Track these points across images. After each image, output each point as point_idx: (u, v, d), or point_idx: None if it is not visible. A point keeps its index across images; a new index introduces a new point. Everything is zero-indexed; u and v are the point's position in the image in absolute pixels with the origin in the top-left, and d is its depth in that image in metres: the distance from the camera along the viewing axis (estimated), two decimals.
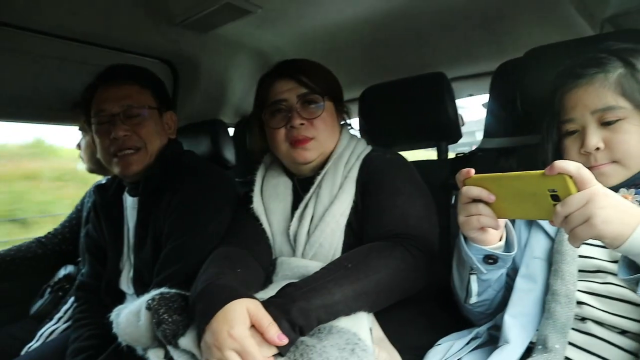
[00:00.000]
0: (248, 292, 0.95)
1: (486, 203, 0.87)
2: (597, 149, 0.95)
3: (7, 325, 1.82)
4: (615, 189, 0.95)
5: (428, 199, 1.22)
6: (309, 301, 0.90)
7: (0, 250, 1.89)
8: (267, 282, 1.20)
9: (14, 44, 1.63)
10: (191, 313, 0.98)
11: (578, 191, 0.73)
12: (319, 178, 1.25)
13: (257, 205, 1.31)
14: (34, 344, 1.62)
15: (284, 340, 0.84)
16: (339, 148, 1.29)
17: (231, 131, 2.19)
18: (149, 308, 1.05)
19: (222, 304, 0.88)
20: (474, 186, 0.87)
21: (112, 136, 1.36)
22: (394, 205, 1.14)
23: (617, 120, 0.94)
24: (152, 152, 1.42)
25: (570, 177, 0.73)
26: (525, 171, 0.79)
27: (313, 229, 1.19)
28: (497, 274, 1.01)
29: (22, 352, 1.60)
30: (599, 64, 0.97)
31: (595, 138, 0.95)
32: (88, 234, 1.61)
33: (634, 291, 0.77)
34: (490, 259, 0.96)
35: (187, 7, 1.61)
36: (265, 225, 1.28)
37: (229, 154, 2.04)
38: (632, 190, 0.95)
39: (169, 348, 0.97)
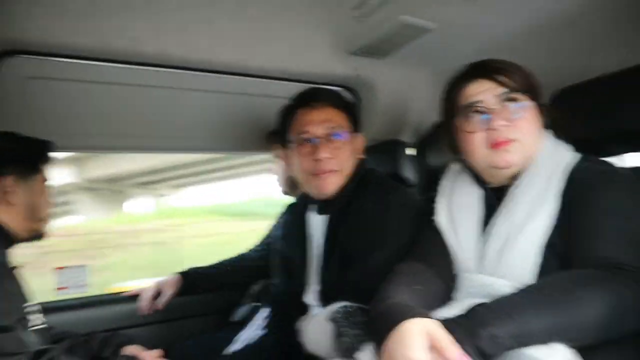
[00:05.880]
0: (424, 311, 0.91)
1: None
2: None
3: (213, 330, 2.08)
4: None
5: None
6: (502, 328, 0.82)
7: (208, 265, 2.14)
8: (448, 299, 1.13)
9: (207, 84, 1.94)
10: (369, 330, 0.99)
11: None
12: (513, 189, 1.13)
13: (442, 217, 1.25)
14: (235, 347, 1.82)
15: None
16: (540, 156, 1.14)
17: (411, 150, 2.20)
18: (332, 320, 1.09)
19: (395, 324, 0.86)
20: None
21: (314, 157, 1.43)
22: (608, 228, 0.98)
23: None
24: (347, 173, 1.48)
25: None
26: None
27: (504, 247, 1.08)
28: None
29: (224, 353, 1.80)
30: None
31: None
32: (279, 250, 1.75)
33: None
34: None
35: (364, 33, 1.68)
36: (450, 239, 1.21)
37: (409, 173, 2.04)
38: None
39: None
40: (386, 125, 2.24)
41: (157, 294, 1.96)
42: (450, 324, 0.85)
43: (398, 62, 1.95)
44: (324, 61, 1.90)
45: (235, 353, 1.75)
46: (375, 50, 1.80)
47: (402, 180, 1.99)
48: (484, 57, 1.23)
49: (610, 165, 1.12)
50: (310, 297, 1.53)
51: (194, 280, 2.04)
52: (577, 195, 1.05)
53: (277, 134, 1.88)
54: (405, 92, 2.17)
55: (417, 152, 2.18)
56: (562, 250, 1.02)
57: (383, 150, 2.10)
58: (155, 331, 2.03)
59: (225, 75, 1.88)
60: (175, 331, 2.07)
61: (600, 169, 1.09)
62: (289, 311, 1.58)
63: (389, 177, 1.66)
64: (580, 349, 0.88)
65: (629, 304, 0.87)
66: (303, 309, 1.53)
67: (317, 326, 1.12)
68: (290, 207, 1.77)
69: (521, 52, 1.52)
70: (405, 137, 2.28)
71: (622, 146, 1.42)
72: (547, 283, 0.93)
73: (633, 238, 0.96)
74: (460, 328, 0.84)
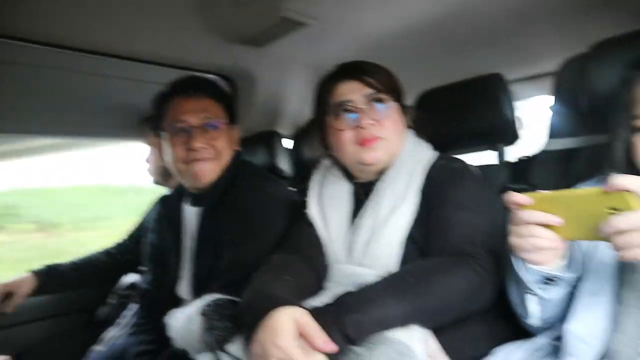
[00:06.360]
0: (294, 301, 0.93)
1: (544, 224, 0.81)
2: None
3: (75, 329, 1.93)
4: None
5: (497, 212, 1.10)
6: (365, 314, 0.88)
7: (70, 261, 1.97)
8: (320, 289, 1.17)
9: (76, 65, 1.77)
10: (240, 322, 0.99)
11: None
12: (379, 184, 1.20)
13: (313, 211, 1.29)
14: (99, 347, 1.70)
15: (332, 347, 0.82)
16: (403, 154, 1.23)
17: (287, 142, 2.23)
18: (203, 314, 1.07)
19: (265, 314, 0.88)
20: (534, 210, 0.81)
21: (188, 147, 1.40)
22: (459, 221, 1.08)
23: None
24: (222, 164, 1.46)
25: (632, 193, 0.66)
26: (584, 188, 0.73)
27: (370, 239, 1.14)
28: (560, 293, 0.92)
29: (88, 355, 1.68)
30: None
31: None
32: (151, 243, 1.67)
33: None
34: (550, 280, 0.89)
35: (244, 23, 1.66)
36: (321, 231, 1.26)
37: (285, 165, 2.06)
38: None
39: (219, 354, 0.98)
40: (263, 116, 2.25)
41: (6, 295, 1.76)
42: (318, 312, 0.88)
43: (276, 55, 1.96)
44: (201, 47, 1.84)
45: (98, 354, 1.64)
46: (254, 40, 1.79)
47: (278, 172, 2.01)
48: (358, 56, 1.28)
49: (462, 162, 1.23)
50: (183, 289, 1.49)
51: (50, 278, 1.86)
52: (433, 190, 1.15)
53: (150, 121, 1.79)
54: (283, 84, 2.18)
55: (293, 145, 2.22)
56: (421, 240, 1.11)
57: (260, 141, 2.10)
58: (7, 335, 1.83)
59: (94, 56, 1.72)
60: (33, 334, 1.89)
61: (454, 167, 1.20)
62: (159, 305, 1.52)
63: (264, 169, 1.67)
64: (434, 328, 0.96)
65: (477, 287, 0.98)
66: (175, 303, 1.48)
67: (186, 321, 1.09)
68: (163, 199, 1.70)
69: (393, 52, 1.63)
70: (282, 129, 2.31)
71: (472, 145, 1.60)
72: (406, 271, 1.01)
73: (480, 229, 1.07)
74: (327, 315, 0.87)
